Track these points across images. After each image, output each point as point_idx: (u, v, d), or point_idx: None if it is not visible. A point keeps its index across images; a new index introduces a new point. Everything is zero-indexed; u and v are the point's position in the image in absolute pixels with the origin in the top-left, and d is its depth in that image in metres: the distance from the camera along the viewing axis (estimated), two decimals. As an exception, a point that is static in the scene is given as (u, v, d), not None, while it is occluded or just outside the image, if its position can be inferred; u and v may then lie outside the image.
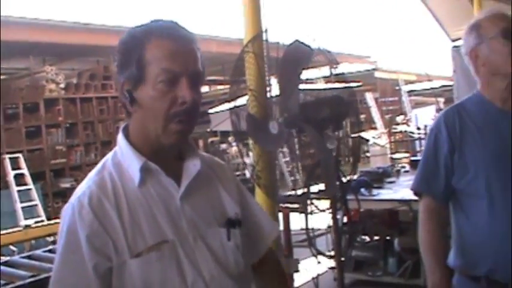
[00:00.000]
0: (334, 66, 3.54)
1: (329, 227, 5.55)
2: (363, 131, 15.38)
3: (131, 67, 1.53)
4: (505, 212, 2.31)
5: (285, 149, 5.89)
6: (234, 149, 15.31)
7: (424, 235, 2.49)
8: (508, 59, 2.34)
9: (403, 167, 8.48)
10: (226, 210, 1.71)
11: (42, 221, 9.89)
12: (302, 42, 3.33)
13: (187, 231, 1.58)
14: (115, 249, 1.49)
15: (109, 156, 1.66)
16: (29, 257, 4.84)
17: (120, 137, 1.64)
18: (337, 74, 3.62)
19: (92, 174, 1.62)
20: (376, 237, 7.08)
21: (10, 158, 10.85)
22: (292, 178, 12.38)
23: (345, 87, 3.63)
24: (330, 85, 3.72)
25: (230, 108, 3.82)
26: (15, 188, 10.58)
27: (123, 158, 1.61)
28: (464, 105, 2.53)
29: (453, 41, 11.60)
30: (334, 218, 3.61)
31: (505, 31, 2.35)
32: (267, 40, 3.68)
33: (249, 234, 1.82)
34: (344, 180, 3.51)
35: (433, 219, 2.48)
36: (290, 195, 6.38)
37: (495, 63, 2.39)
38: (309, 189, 3.66)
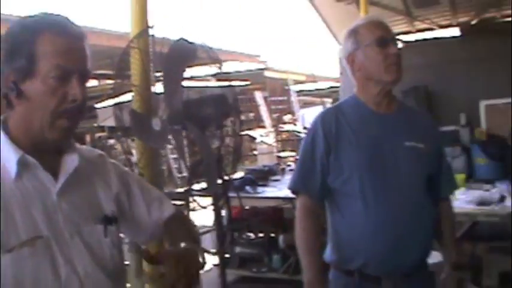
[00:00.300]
0: (217, 64, 3.56)
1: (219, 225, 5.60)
2: (250, 129, 15.57)
3: (20, 59, 1.49)
4: (377, 212, 2.43)
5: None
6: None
7: (300, 232, 2.54)
8: (380, 66, 2.45)
9: (289, 165, 8.65)
10: (103, 207, 1.71)
11: None
12: (186, 40, 3.33)
13: (63, 227, 1.56)
14: None
15: None
16: None
17: None
18: (223, 73, 3.64)
19: None
20: (260, 234, 7.19)
21: None
22: (180, 175, 12.36)
23: (229, 86, 3.66)
24: (215, 83, 3.73)
25: (115, 104, 3.77)
26: None
27: (0, 150, 1.56)
28: (341, 107, 2.63)
29: (340, 43, 11.95)
30: (216, 215, 3.63)
31: (380, 40, 2.46)
32: (153, 36, 3.64)
33: (150, 210, 1.90)
34: (226, 178, 3.54)
35: (309, 217, 2.54)
36: (175, 192, 6.38)
37: (369, 69, 2.50)
38: (191, 186, 3.67)
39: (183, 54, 3.34)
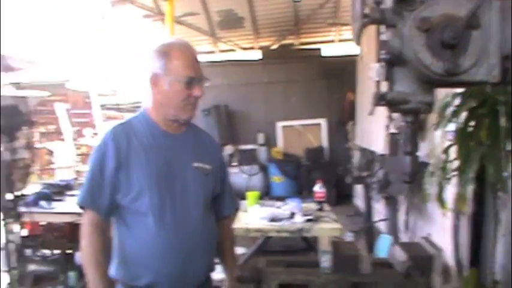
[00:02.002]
0: (8, 71, 3.41)
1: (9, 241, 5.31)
2: (51, 141, 15.00)
3: None
4: (165, 230, 2.47)
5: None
6: None
7: (86, 248, 2.50)
8: (179, 103, 2.50)
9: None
10: None
11: None
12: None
13: None
14: None
15: None
16: None
17: None
18: (16, 82, 3.50)
19: None
20: (57, 251, 6.92)
21: None
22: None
23: (23, 97, 3.51)
24: (6, 93, 3.56)
25: None
26: None
27: None
28: (131, 123, 2.60)
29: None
30: (5, 232, 3.45)
31: (189, 80, 2.47)
32: None
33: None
34: (18, 193, 3.38)
35: (96, 233, 2.50)
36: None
37: (168, 101, 2.52)
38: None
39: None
